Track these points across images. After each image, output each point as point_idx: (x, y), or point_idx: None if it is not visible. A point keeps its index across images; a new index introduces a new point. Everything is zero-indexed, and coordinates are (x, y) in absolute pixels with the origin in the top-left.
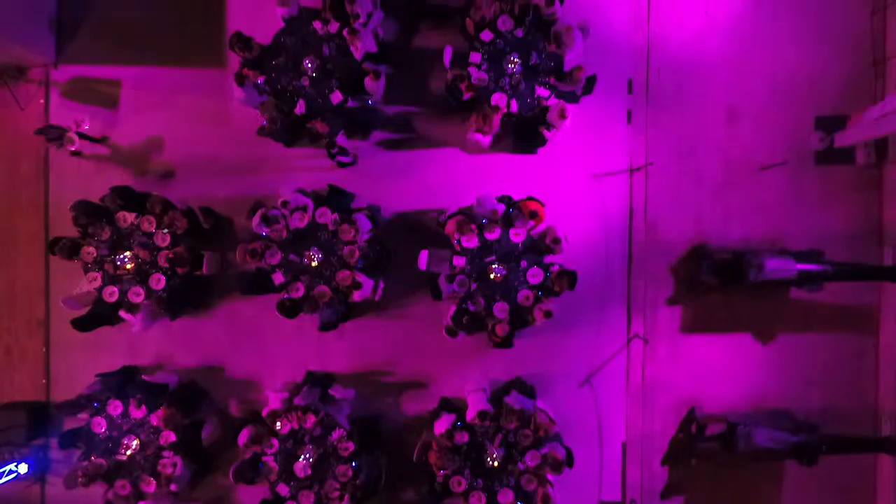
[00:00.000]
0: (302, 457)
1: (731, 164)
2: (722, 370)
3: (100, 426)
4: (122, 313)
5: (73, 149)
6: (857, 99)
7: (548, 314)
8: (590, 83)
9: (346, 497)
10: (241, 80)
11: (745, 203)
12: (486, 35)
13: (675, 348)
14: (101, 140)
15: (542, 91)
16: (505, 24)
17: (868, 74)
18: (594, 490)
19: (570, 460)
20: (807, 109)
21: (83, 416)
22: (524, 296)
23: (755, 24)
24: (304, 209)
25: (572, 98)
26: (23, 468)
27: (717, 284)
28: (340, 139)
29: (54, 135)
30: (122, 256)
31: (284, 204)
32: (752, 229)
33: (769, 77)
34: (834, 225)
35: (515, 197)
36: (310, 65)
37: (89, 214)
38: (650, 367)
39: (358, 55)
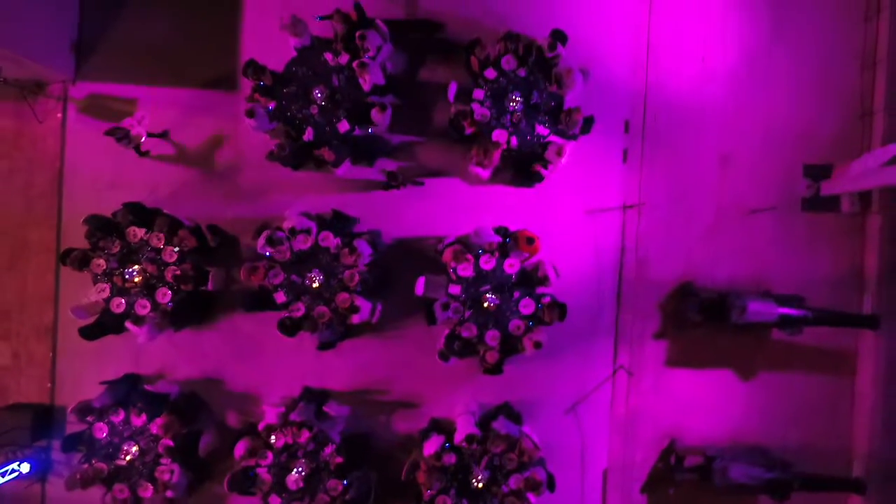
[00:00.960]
0: (294, 470)
1: (721, 207)
2: (703, 404)
3: (101, 431)
4: (127, 324)
5: (142, 141)
6: (846, 149)
7: (538, 345)
8: (587, 123)
9: None
10: (251, 111)
11: (733, 245)
12: (490, 73)
13: (658, 381)
14: (162, 135)
15: (541, 129)
16: (509, 63)
17: (856, 126)
18: None
19: (551, 484)
20: (796, 157)
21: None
22: (515, 325)
23: (750, 73)
24: (308, 232)
25: (570, 136)
26: (25, 468)
27: (702, 322)
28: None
29: (121, 134)
30: (130, 270)
31: (292, 231)
32: (739, 271)
33: (762, 125)
34: (818, 270)
35: (512, 228)
36: (319, 94)
37: (101, 228)
38: (634, 398)
39: (366, 87)
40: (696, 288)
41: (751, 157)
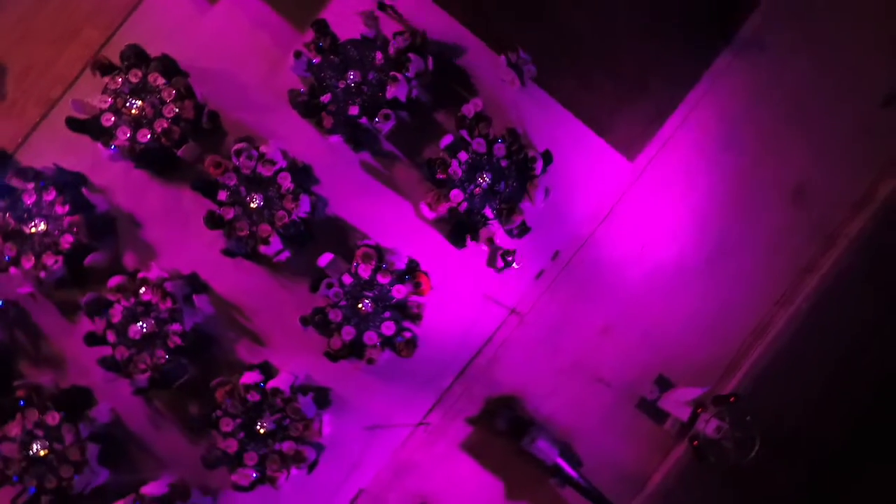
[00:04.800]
0: (140, 323)
1: (579, 361)
2: (466, 494)
3: (30, 198)
4: (99, 145)
5: None
6: (705, 377)
7: (371, 361)
8: (524, 230)
9: (148, 374)
10: (298, 53)
11: (570, 394)
12: (481, 147)
13: (447, 453)
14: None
15: (488, 211)
16: (499, 150)
17: (719, 370)
18: None
19: (312, 467)
20: (660, 364)
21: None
22: (369, 336)
23: (669, 282)
24: (274, 164)
25: (507, 231)
26: None
27: (504, 433)
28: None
29: None
30: (133, 102)
31: (262, 156)
32: (560, 415)
33: (650, 322)
34: (615, 456)
35: (422, 266)
36: (352, 77)
37: (135, 58)
38: (419, 453)
39: (388, 95)
40: (517, 405)
41: (626, 341)
